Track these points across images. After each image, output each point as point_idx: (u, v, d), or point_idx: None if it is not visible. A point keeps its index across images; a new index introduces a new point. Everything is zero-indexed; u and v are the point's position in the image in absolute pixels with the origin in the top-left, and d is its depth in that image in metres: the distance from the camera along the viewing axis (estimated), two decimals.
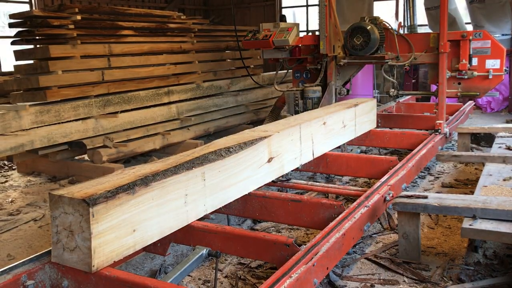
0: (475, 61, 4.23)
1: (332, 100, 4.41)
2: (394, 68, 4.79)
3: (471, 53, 4.19)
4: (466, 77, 4.22)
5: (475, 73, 4.20)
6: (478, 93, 4.27)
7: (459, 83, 4.30)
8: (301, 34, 4.65)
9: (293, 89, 4.48)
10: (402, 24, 6.29)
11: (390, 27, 4.39)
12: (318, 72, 4.52)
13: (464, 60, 4.18)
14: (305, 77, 4.79)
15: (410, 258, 2.57)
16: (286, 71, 5.16)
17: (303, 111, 4.20)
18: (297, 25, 4.58)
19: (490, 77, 4.19)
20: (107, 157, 4.45)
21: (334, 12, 4.31)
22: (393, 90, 4.52)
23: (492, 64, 4.20)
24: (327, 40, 4.32)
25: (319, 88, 4.42)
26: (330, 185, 3.09)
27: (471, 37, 4.17)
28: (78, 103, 4.45)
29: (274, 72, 5.28)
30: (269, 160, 2.71)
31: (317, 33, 4.55)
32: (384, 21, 4.34)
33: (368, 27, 4.08)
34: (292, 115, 4.19)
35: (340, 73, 4.49)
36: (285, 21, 4.81)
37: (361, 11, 8.46)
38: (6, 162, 5.26)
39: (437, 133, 4.18)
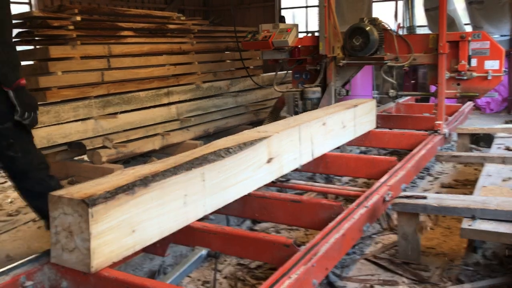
0: (474, 62, 4.22)
1: (331, 101, 4.41)
2: (394, 69, 4.79)
3: (470, 54, 4.18)
4: (465, 78, 4.21)
5: (474, 74, 4.18)
6: (477, 94, 4.26)
7: (458, 84, 4.29)
8: (301, 35, 4.66)
9: (293, 90, 4.48)
10: (402, 25, 6.30)
11: (389, 28, 4.40)
12: (318, 73, 4.52)
13: (463, 61, 4.17)
14: (305, 78, 4.79)
15: (410, 258, 2.57)
16: (285, 72, 5.16)
17: (302, 112, 4.20)
18: (296, 26, 4.58)
19: (489, 77, 4.17)
20: (107, 157, 4.44)
21: (334, 13, 4.31)
22: (392, 91, 4.52)
23: (491, 65, 4.19)
24: (326, 41, 4.32)
25: (319, 89, 4.42)
26: (330, 185, 3.10)
27: (470, 38, 4.17)
28: (78, 103, 4.45)
29: (274, 73, 5.28)
30: (269, 161, 2.71)
31: (316, 34, 4.55)
32: (383, 22, 4.33)
33: (367, 28, 4.08)
34: (292, 116, 4.19)
35: (339, 74, 4.49)
36: (285, 22, 4.81)
37: (360, 12, 8.47)
38: None
39: (437, 133, 4.18)
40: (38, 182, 2.53)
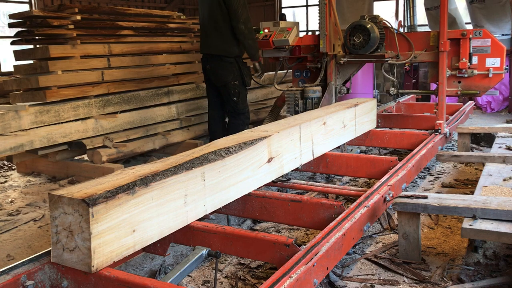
0: (475, 60, 4.21)
1: (332, 100, 4.39)
2: (394, 67, 4.77)
3: (471, 51, 4.17)
4: (466, 75, 4.20)
5: (475, 71, 4.18)
6: (478, 92, 4.25)
7: (459, 82, 4.28)
8: (301, 34, 4.64)
9: (293, 89, 4.46)
10: (402, 24, 6.28)
11: (390, 25, 4.38)
12: (318, 71, 4.50)
13: (464, 59, 4.16)
14: (305, 76, 4.77)
15: (410, 258, 2.57)
16: (286, 70, 5.15)
17: (303, 111, 4.19)
18: (297, 24, 4.56)
19: (490, 75, 4.17)
20: (107, 157, 4.44)
21: (334, 11, 4.28)
22: (393, 88, 4.51)
23: (492, 62, 4.19)
24: (327, 38, 4.29)
25: (319, 88, 4.40)
26: (330, 185, 3.09)
27: (471, 36, 4.15)
28: (78, 103, 4.45)
29: (274, 72, 5.26)
30: (269, 160, 2.71)
31: (317, 33, 4.53)
32: (384, 20, 4.31)
33: (368, 26, 4.04)
34: (292, 115, 4.19)
35: (340, 72, 4.47)
36: (285, 19, 4.80)
37: (361, 11, 8.46)
38: (5, 162, 5.26)
39: (437, 133, 4.18)
40: (238, 123, 4.36)
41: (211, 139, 4.34)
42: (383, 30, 4.20)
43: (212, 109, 4.57)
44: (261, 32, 4.50)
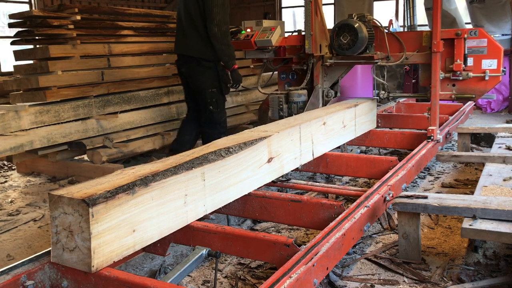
0: (470, 61, 3.92)
1: (318, 104, 4.16)
2: (384, 69, 4.50)
3: (466, 52, 3.88)
4: (461, 78, 3.92)
5: (471, 74, 3.89)
6: (473, 96, 3.98)
7: (454, 85, 4.00)
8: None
9: (277, 93, 4.23)
10: (402, 24, 6.27)
11: (379, 25, 4.12)
12: (305, 73, 4.24)
13: (458, 60, 3.87)
14: (291, 79, 4.50)
15: (410, 258, 2.57)
16: (271, 73, 4.87)
17: (287, 116, 3.98)
18: (282, 23, 4.33)
19: (487, 78, 3.88)
20: (107, 157, 4.44)
21: (320, 9, 4.04)
22: (383, 92, 4.25)
23: (489, 64, 3.91)
24: (312, 39, 4.04)
25: (305, 91, 4.16)
26: (330, 185, 3.09)
27: (466, 36, 3.87)
28: (78, 103, 4.45)
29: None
30: (269, 160, 2.71)
31: (303, 33, 4.24)
32: (373, 19, 4.07)
33: (356, 25, 3.79)
34: (277, 119, 3.97)
35: (327, 74, 4.22)
36: (269, 18, 4.69)
37: (361, 11, 8.46)
38: (5, 162, 5.26)
39: (430, 140, 3.92)
40: (213, 133, 3.94)
41: (178, 143, 4.16)
42: (372, 30, 3.95)
43: (190, 113, 4.24)
44: (243, 32, 4.22)
